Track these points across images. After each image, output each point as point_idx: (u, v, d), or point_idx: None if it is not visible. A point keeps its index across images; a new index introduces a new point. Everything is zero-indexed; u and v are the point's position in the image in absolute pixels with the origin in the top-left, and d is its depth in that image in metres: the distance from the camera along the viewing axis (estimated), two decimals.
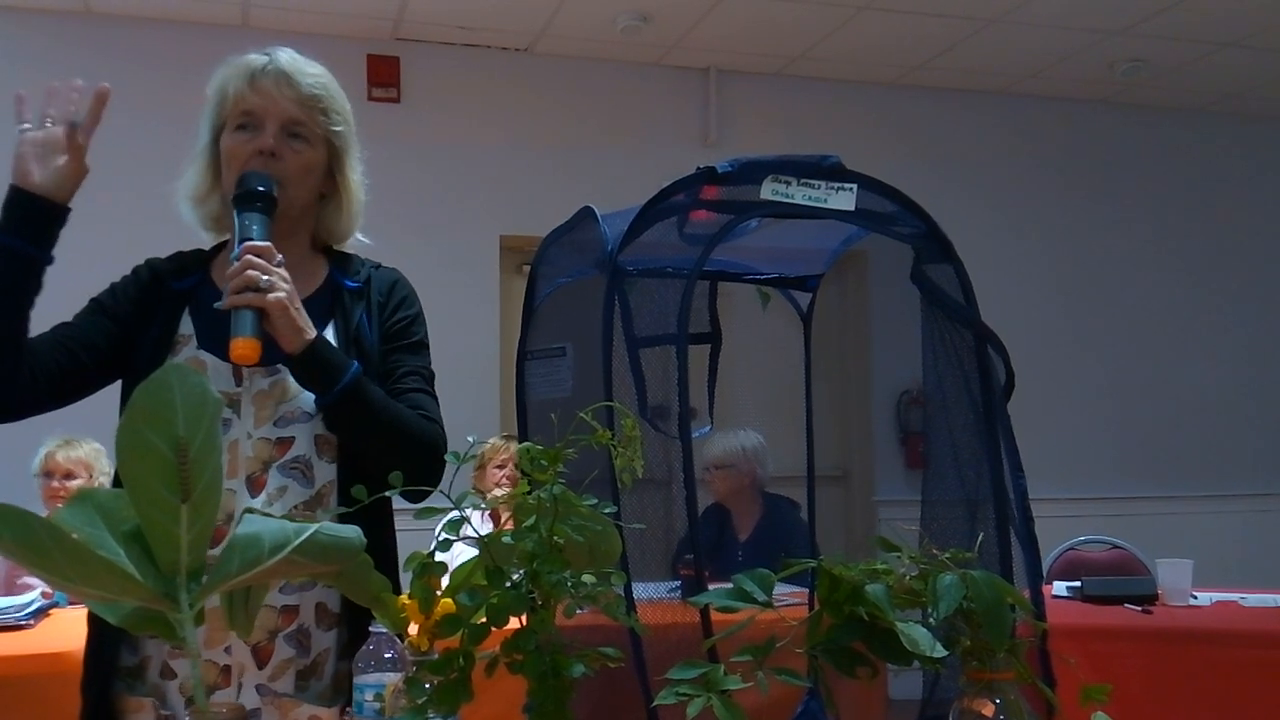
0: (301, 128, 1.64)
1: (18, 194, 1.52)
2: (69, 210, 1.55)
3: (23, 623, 2.90)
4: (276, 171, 1.61)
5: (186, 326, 1.64)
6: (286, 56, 1.66)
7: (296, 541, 0.96)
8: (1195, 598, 3.48)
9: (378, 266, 1.78)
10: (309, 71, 1.66)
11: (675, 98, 5.68)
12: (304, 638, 1.58)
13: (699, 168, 1.54)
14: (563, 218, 1.75)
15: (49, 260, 1.55)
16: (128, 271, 1.71)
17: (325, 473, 1.61)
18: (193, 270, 1.70)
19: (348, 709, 1.49)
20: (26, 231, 1.52)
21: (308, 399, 1.60)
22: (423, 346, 1.74)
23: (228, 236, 1.70)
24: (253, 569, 0.94)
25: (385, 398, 1.61)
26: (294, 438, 1.59)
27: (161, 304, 1.65)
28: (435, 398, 1.72)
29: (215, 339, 1.58)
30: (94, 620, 1.61)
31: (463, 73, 5.36)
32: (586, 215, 1.64)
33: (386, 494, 1.19)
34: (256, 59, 1.65)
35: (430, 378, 1.73)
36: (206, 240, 1.75)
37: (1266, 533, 6.10)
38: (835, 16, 5.09)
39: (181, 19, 4.88)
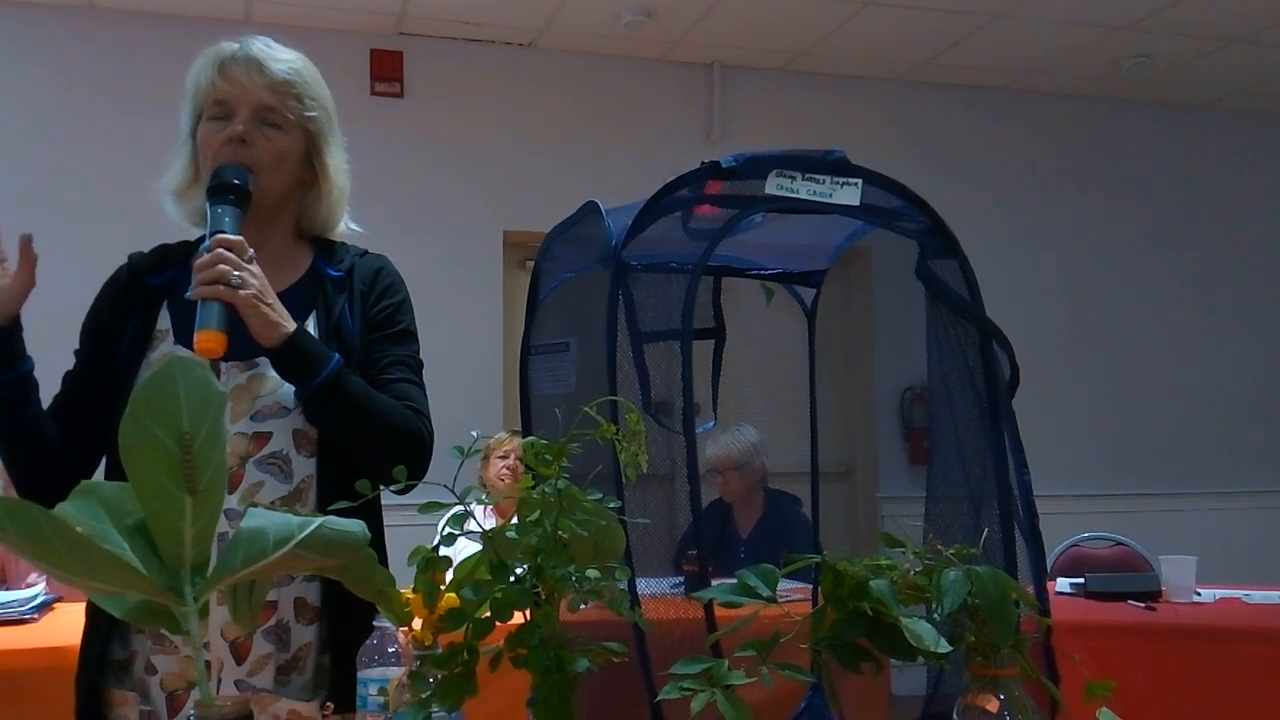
0: (274, 114, 1.62)
1: None
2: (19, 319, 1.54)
3: (26, 617, 2.91)
4: (248, 159, 1.59)
5: (164, 321, 1.63)
6: (259, 44, 1.64)
7: (301, 535, 0.96)
8: (1199, 594, 3.48)
9: (364, 253, 1.75)
10: (281, 57, 1.64)
11: (679, 93, 5.67)
12: (283, 633, 1.57)
13: (703, 162, 1.54)
14: (566, 213, 1.75)
15: (30, 368, 1.55)
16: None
17: (304, 468, 1.59)
18: (174, 264, 1.68)
19: (328, 704, 1.49)
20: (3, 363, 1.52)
21: (286, 393, 1.58)
22: (409, 335, 1.72)
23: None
24: (256, 563, 0.94)
25: (367, 389, 1.59)
26: (271, 433, 1.58)
27: (140, 300, 1.64)
28: (422, 387, 1.69)
29: (192, 334, 1.57)
30: (89, 614, 1.61)
31: (466, 68, 5.36)
32: (590, 210, 1.64)
33: (379, 489, 1.19)
34: (227, 46, 1.63)
35: (417, 366, 1.71)
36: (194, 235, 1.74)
37: (1270, 529, 6.10)
38: (839, 12, 5.08)
39: (184, 13, 4.89)
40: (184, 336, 1.59)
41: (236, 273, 1.48)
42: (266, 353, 1.54)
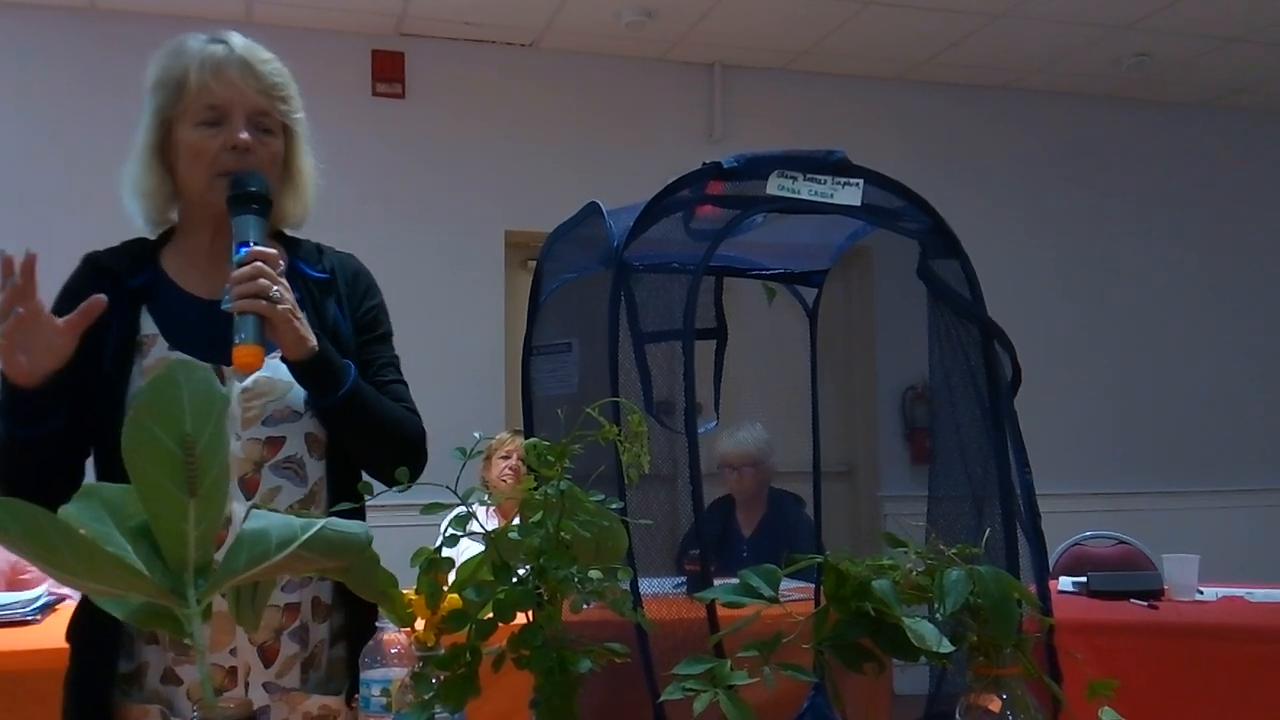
0: (266, 118, 1.61)
1: (21, 391, 1.44)
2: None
3: (29, 618, 2.91)
4: (250, 165, 1.57)
5: (149, 326, 1.58)
6: (240, 43, 1.62)
7: (303, 537, 0.96)
8: (1201, 593, 3.48)
9: (335, 251, 1.75)
10: (264, 59, 1.63)
11: (680, 93, 5.67)
12: (304, 632, 1.59)
13: (705, 163, 1.54)
14: (568, 213, 1.75)
15: (62, 421, 1.49)
16: None
17: (316, 471, 1.61)
18: (143, 265, 1.64)
19: (356, 696, 1.50)
20: (44, 416, 1.47)
21: (296, 397, 1.58)
22: (389, 335, 1.75)
23: (168, 227, 1.68)
24: (260, 564, 0.94)
25: (378, 396, 1.62)
26: (285, 437, 1.58)
27: (122, 302, 1.57)
28: (407, 384, 1.73)
29: (183, 338, 1.56)
30: (88, 624, 1.57)
31: (467, 68, 5.36)
32: (592, 211, 1.64)
33: (383, 489, 1.19)
34: (215, 48, 1.60)
35: (399, 364, 1.74)
36: (149, 231, 1.69)
37: (1273, 528, 6.09)
38: (840, 11, 5.08)
39: (186, 14, 4.88)
40: (177, 342, 1.57)
41: (275, 286, 1.47)
42: (285, 362, 1.54)
